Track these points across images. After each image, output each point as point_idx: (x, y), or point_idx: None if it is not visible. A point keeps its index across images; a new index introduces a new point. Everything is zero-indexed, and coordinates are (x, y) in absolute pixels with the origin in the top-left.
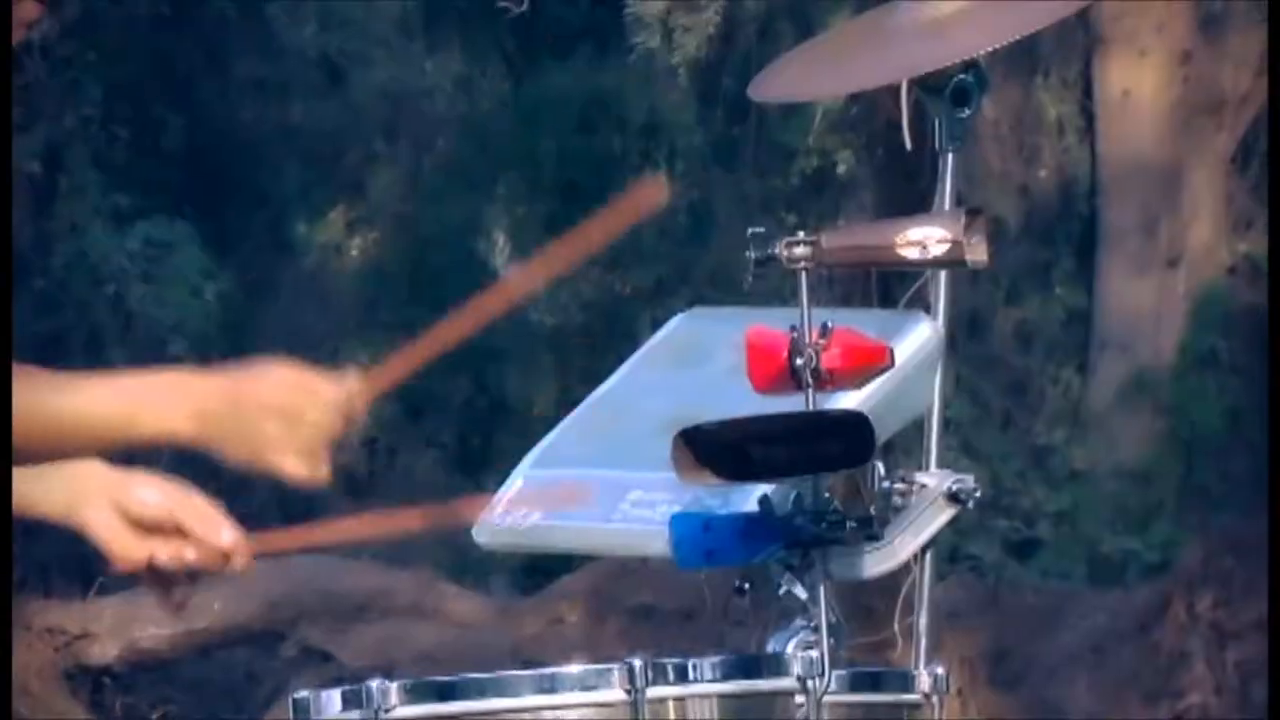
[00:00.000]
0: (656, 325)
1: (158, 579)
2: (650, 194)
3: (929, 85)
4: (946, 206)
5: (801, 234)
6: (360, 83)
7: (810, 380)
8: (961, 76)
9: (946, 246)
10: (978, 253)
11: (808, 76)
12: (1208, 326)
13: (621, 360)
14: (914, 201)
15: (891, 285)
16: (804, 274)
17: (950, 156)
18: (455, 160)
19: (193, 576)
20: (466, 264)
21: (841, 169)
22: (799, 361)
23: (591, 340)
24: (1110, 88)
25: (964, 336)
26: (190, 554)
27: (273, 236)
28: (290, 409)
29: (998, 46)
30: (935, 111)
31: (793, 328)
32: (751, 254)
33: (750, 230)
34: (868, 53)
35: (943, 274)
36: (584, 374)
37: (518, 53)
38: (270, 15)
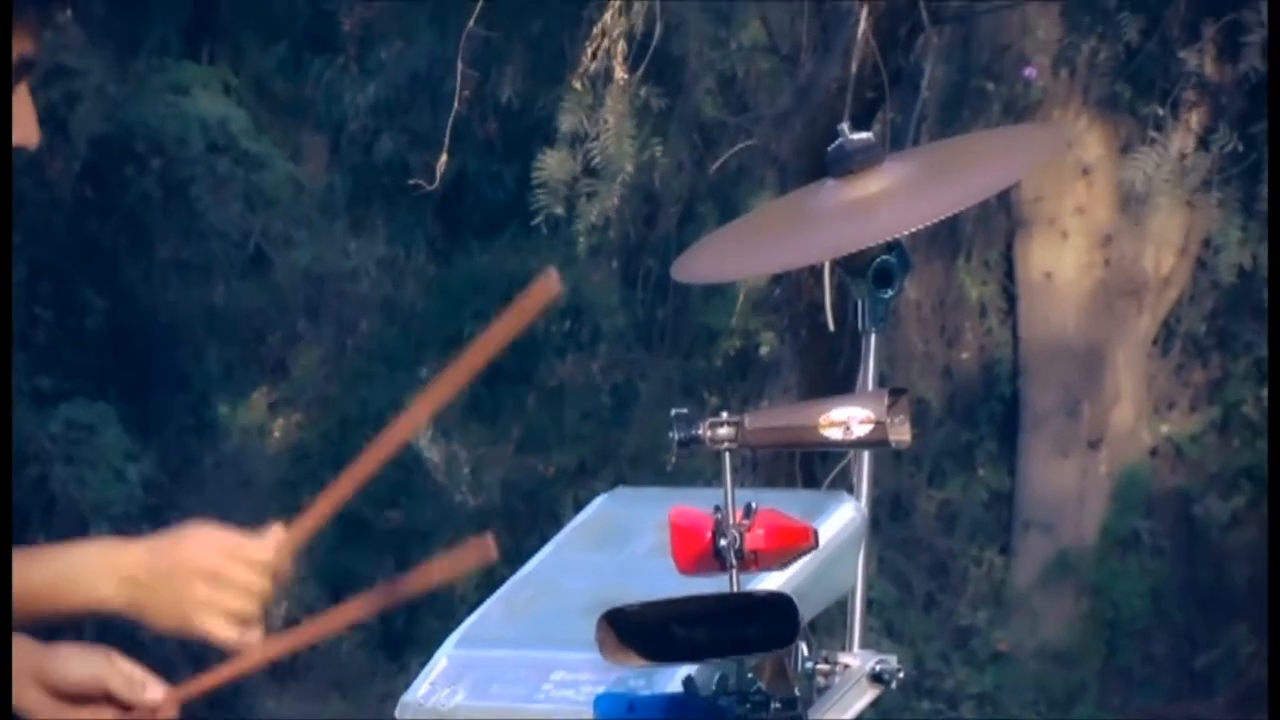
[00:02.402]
0: (580, 506)
1: None
2: (547, 286)
3: (851, 266)
4: (869, 387)
5: (725, 415)
6: (283, 264)
7: (734, 561)
8: (884, 258)
9: (870, 427)
10: (901, 434)
11: (730, 257)
12: (1130, 508)
13: (545, 541)
14: (837, 383)
15: (815, 466)
16: (727, 455)
17: (873, 337)
18: (378, 341)
19: None
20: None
21: (764, 350)
22: (723, 542)
23: (515, 521)
24: (1031, 270)
25: (887, 518)
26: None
27: (195, 418)
28: (217, 572)
29: (920, 228)
30: (858, 293)
31: (716, 508)
32: (675, 435)
33: (674, 411)
34: (790, 233)
35: (866, 455)
36: (507, 554)
37: (443, 234)
38: (194, 196)
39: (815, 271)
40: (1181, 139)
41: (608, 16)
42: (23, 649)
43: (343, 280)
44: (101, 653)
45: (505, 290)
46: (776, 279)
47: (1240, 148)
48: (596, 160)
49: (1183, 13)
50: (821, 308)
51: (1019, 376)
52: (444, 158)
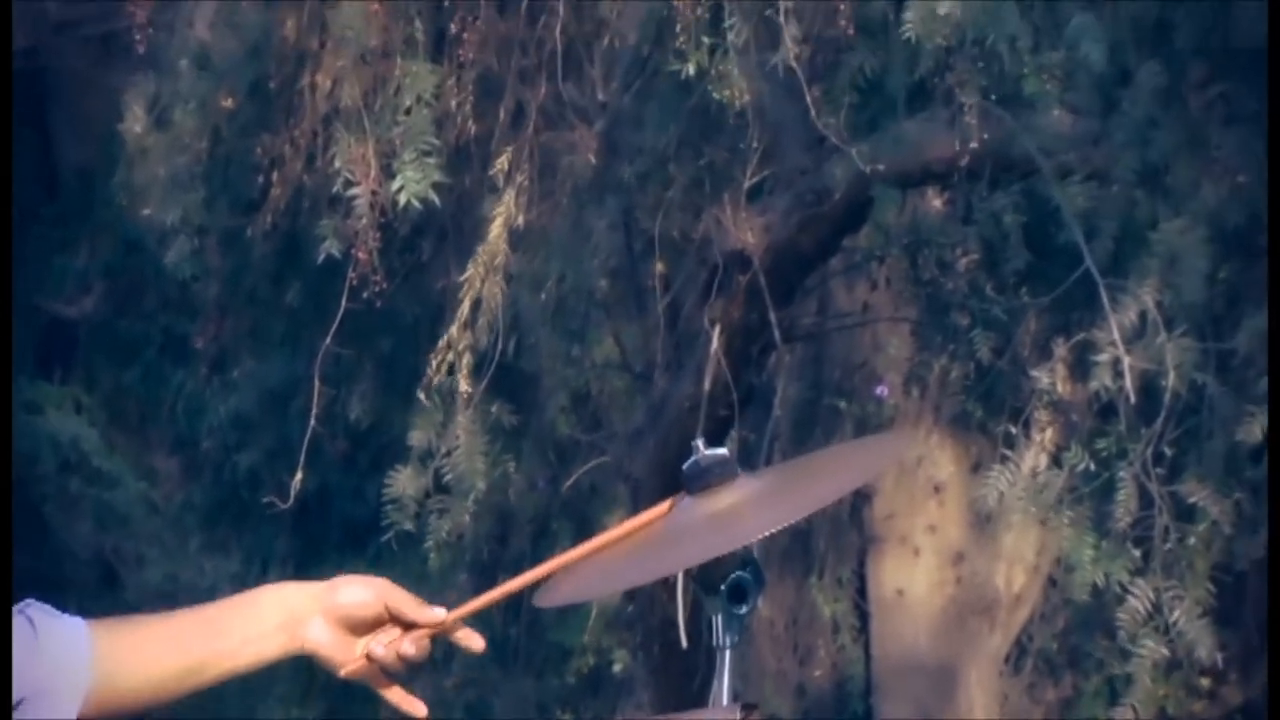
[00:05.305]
0: None
1: (384, 671)
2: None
3: (705, 583)
4: (723, 703)
5: None
6: (135, 583)
7: None
8: (738, 574)
9: None
10: None
11: (583, 577)
12: None
13: None
14: (690, 699)
15: None
16: None
17: (727, 654)
18: None
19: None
20: None
21: (617, 667)
22: None
23: None
24: (883, 587)
25: None
26: (409, 646)
27: None
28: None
29: (773, 532)
30: (711, 609)
31: None
32: None
33: None
34: (644, 549)
35: None
36: None
37: (299, 550)
38: (46, 515)
39: (669, 588)
40: (1034, 457)
41: (453, 330)
42: (307, 592)
43: (196, 598)
44: (380, 581)
45: None
46: (630, 596)
47: (1092, 466)
48: (448, 477)
49: (1034, 332)
50: (675, 624)
51: (871, 694)
52: (299, 475)
